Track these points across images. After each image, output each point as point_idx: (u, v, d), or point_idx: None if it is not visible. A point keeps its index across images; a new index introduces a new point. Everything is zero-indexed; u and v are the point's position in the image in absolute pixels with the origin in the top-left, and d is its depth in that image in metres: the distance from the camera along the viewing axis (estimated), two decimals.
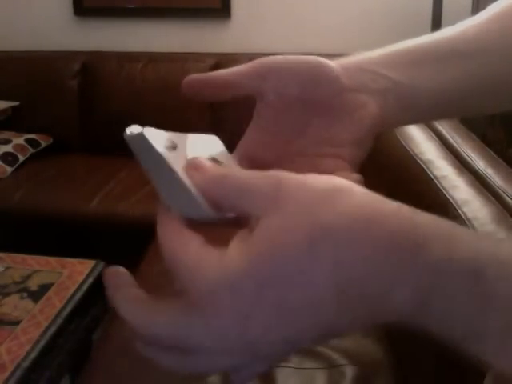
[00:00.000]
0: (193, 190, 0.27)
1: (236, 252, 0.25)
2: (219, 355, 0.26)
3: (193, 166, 0.28)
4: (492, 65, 0.37)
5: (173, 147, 0.28)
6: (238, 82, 0.34)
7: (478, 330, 0.24)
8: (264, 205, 0.25)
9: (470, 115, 0.42)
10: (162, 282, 1.49)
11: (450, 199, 0.96)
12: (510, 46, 0.37)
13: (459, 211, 0.91)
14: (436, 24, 2.09)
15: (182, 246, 0.26)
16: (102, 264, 1.50)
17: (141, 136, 0.28)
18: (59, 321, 1.27)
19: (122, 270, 0.30)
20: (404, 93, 0.35)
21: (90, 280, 1.43)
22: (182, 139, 0.30)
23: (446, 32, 0.38)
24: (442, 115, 0.45)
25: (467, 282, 0.23)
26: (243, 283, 0.24)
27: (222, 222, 0.28)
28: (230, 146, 0.35)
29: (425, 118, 0.42)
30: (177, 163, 0.27)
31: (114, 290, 0.28)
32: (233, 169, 0.29)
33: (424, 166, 1.11)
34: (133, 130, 0.28)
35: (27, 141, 2.34)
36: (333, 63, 0.35)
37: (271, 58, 0.34)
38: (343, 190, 0.25)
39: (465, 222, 0.87)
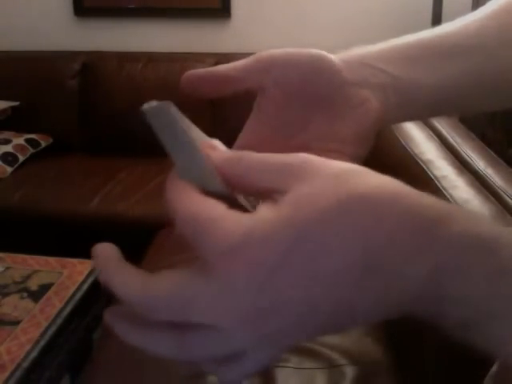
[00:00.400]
0: (209, 165, 0.27)
1: (266, 212, 0.24)
2: (220, 333, 0.24)
3: (209, 145, 0.28)
4: (491, 61, 0.37)
5: (187, 125, 0.28)
6: (239, 76, 0.33)
7: (490, 311, 0.24)
8: (290, 178, 0.25)
9: (470, 112, 0.43)
10: None
11: (450, 199, 0.96)
12: (508, 42, 0.37)
13: None
14: (436, 22, 2.09)
15: (205, 208, 0.24)
16: None
17: (162, 106, 0.27)
18: (59, 321, 1.27)
19: (111, 245, 0.28)
20: (403, 88, 0.35)
21: (90, 280, 1.43)
22: (190, 123, 0.29)
23: (446, 27, 0.38)
24: (442, 112, 0.45)
25: (483, 259, 0.23)
26: (274, 239, 0.23)
27: (233, 203, 0.27)
28: (231, 144, 0.34)
29: (424, 115, 0.41)
30: (193, 139, 0.27)
31: (106, 261, 0.26)
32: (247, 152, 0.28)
33: (424, 166, 1.11)
34: (151, 103, 0.28)
35: (27, 141, 2.34)
36: (334, 57, 0.34)
37: (271, 51, 0.34)
38: (365, 169, 0.25)
39: None
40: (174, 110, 0.28)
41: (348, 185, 0.24)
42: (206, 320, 0.24)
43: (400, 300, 0.24)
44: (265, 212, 0.24)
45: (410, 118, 0.41)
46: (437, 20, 2.09)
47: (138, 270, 0.26)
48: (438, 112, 0.44)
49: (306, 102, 0.34)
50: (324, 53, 0.34)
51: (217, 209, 0.24)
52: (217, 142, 0.29)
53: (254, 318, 0.24)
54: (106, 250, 0.27)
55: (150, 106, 0.28)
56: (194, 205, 0.25)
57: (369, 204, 0.23)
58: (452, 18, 0.39)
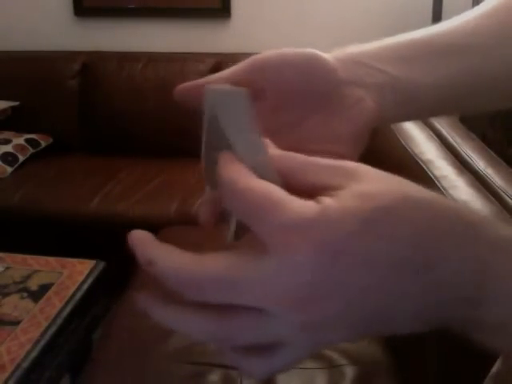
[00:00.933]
0: (268, 157, 0.27)
1: (329, 201, 0.24)
2: (265, 317, 0.24)
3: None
4: (488, 60, 0.37)
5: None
6: (236, 81, 0.33)
7: None
8: (345, 177, 0.25)
9: (468, 112, 0.43)
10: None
11: (450, 199, 0.96)
12: (505, 41, 0.37)
13: None
14: (436, 21, 2.08)
15: (271, 189, 0.24)
16: (102, 264, 1.50)
17: (237, 92, 0.28)
18: (59, 321, 1.27)
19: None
20: (400, 88, 0.35)
21: (90, 280, 1.43)
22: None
23: (443, 26, 0.37)
24: (440, 111, 0.45)
25: None
26: (341, 224, 0.23)
27: None
28: None
29: (422, 114, 0.41)
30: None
31: (148, 241, 0.27)
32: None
33: (424, 166, 1.11)
34: (222, 86, 0.28)
35: (27, 141, 2.34)
36: (329, 56, 0.34)
37: (266, 52, 0.33)
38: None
39: None
40: (247, 98, 0.28)
41: (403, 188, 0.25)
42: (255, 302, 0.24)
43: (447, 303, 0.25)
44: (328, 201, 0.24)
45: (408, 118, 0.41)
46: (437, 19, 2.09)
47: (184, 251, 0.26)
48: (436, 111, 0.44)
49: (301, 102, 0.34)
50: (318, 52, 0.34)
51: (282, 192, 0.24)
52: (268, 140, 0.30)
53: (306, 301, 0.23)
54: (144, 233, 0.28)
55: (221, 88, 0.28)
56: (258, 186, 0.24)
57: (423, 206, 0.25)
58: (452, 16, 0.38)
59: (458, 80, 0.36)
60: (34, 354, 1.17)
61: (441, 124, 1.32)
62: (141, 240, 0.27)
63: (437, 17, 2.10)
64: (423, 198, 0.25)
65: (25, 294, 1.35)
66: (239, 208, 0.25)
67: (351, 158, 0.33)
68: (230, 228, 0.29)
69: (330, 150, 0.33)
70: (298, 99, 0.34)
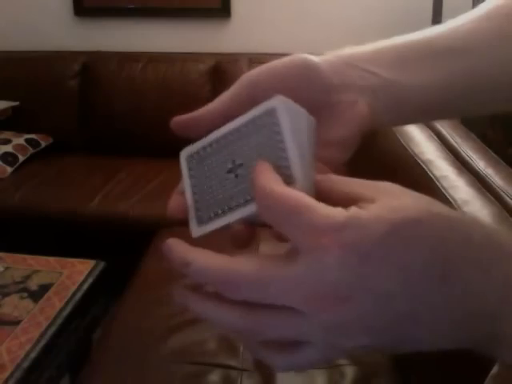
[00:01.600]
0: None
1: (359, 210, 0.25)
2: (294, 315, 0.25)
3: None
4: (482, 64, 0.37)
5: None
6: (230, 114, 0.32)
7: None
8: (378, 192, 0.26)
9: (465, 115, 0.42)
10: (162, 282, 1.49)
11: (450, 199, 0.96)
12: (502, 44, 0.37)
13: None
14: (436, 21, 2.09)
15: (306, 197, 0.25)
16: (102, 264, 1.50)
17: (296, 105, 0.30)
18: (59, 321, 1.27)
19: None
20: (394, 91, 0.35)
21: (90, 280, 1.43)
22: None
23: (440, 28, 0.37)
24: (433, 115, 0.44)
25: None
26: (372, 229, 0.24)
27: None
28: None
29: (415, 118, 0.41)
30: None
31: (184, 246, 0.28)
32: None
33: (424, 166, 1.11)
34: (282, 97, 0.30)
35: (27, 141, 2.34)
36: (320, 61, 0.34)
37: (255, 71, 0.33)
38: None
39: None
40: (314, 125, 0.31)
41: (430, 206, 0.26)
42: (285, 301, 0.25)
43: (473, 317, 0.25)
44: (357, 210, 0.25)
45: (402, 122, 0.41)
46: (437, 18, 2.09)
47: (217, 253, 0.27)
48: (429, 116, 0.43)
49: None
50: (309, 58, 0.34)
51: (314, 200, 0.26)
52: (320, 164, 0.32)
53: (331, 301, 0.24)
54: (178, 240, 0.29)
55: (284, 99, 0.29)
56: (292, 193, 0.26)
57: (453, 222, 0.26)
58: (452, 17, 0.38)
59: (454, 83, 0.36)
60: (33, 354, 1.16)
61: (441, 124, 1.32)
62: (176, 244, 0.28)
63: (437, 17, 2.10)
64: (453, 215, 0.26)
65: (25, 294, 1.35)
66: (273, 213, 0.26)
67: (339, 163, 0.34)
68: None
69: (320, 156, 0.33)
70: None
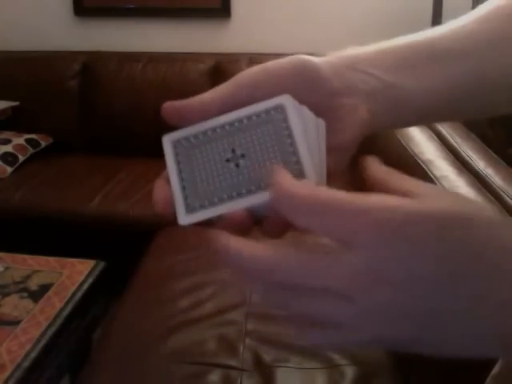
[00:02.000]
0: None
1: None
2: (333, 297, 0.26)
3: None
4: (486, 66, 0.36)
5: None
6: (225, 108, 0.32)
7: None
8: (424, 187, 0.27)
9: (466, 118, 0.42)
10: (162, 282, 1.49)
11: None
12: (501, 48, 0.37)
13: None
14: (436, 22, 2.09)
15: (339, 193, 0.26)
16: (102, 264, 1.50)
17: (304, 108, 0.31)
18: (59, 321, 1.27)
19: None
20: (394, 94, 0.34)
21: (90, 280, 1.43)
22: None
23: (440, 30, 0.37)
24: (433, 118, 0.44)
25: None
26: (417, 228, 0.24)
27: None
28: None
29: (414, 122, 0.41)
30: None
31: (231, 238, 0.27)
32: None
33: (424, 166, 1.11)
34: (291, 98, 0.31)
35: (27, 141, 2.34)
36: (321, 62, 0.33)
37: (254, 70, 0.33)
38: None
39: None
40: (311, 114, 0.31)
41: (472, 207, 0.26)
42: (331, 285, 0.26)
43: (498, 319, 0.25)
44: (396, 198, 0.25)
45: (402, 125, 0.40)
46: (437, 20, 2.09)
47: (262, 243, 0.27)
48: (430, 118, 0.43)
49: None
50: (308, 60, 0.33)
51: (343, 193, 0.26)
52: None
53: (368, 284, 0.25)
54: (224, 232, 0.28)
55: (293, 100, 0.30)
56: (330, 192, 0.26)
57: (469, 224, 0.25)
58: (452, 17, 0.38)
59: (455, 86, 0.36)
60: (33, 354, 1.17)
61: (441, 124, 1.32)
62: (223, 236, 0.28)
63: (437, 18, 2.10)
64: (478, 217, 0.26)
65: (25, 294, 1.35)
66: (311, 222, 0.26)
67: (337, 169, 0.34)
68: None
69: None
70: None
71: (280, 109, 0.30)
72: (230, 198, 0.30)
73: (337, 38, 2.42)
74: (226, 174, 0.30)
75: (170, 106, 0.33)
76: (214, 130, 0.32)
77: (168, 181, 0.33)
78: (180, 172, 0.33)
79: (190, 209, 0.31)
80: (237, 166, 0.30)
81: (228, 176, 0.30)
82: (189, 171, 0.32)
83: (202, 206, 0.31)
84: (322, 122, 0.32)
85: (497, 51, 0.37)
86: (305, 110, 0.31)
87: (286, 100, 0.30)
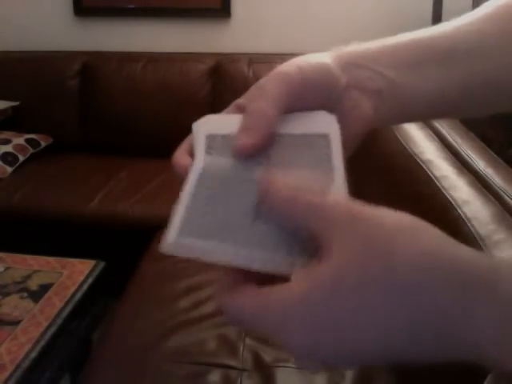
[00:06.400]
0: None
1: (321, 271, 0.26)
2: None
3: (265, 185, 0.28)
4: (491, 64, 0.36)
5: None
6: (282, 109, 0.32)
7: None
8: (338, 228, 0.26)
9: (470, 115, 0.42)
10: (161, 282, 1.49)
11: (450, 199, 0.96)
12: (508, 44, 0.37)
13: (459, 211, 0.91)
14: (436, 23, 2.07)
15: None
16: (102, 264, 1.50)
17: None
18: (59, 321, 1.27)
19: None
20: (401, 93, 0.35)
21: (90, 280, 1.43)
22: None
23: (445, 28, 0.37)
24: (437, 115, 0.44)
25: None
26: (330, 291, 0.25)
27: None
28: None
29: (418, 118, 0.41)
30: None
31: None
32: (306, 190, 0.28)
33: (424, 166, 1.11)
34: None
35: (27, 141, 2.34)
36: (332, 60, 0.34)
37: (289, 68, 0.32)
38: (416, 227, 0.26)
39: (465, 222, 0.87)
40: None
41: (398, 249, 0.25)
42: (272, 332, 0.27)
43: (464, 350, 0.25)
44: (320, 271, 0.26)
45: (405, 120, 0.41)
46: (437, 19, 2.09)
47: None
48: (432, 115, 0.43)
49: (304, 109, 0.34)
50: (329, 63, 0.33)
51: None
52: None
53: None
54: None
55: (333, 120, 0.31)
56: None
57: (420, 272, 0.25)
58: (452, 17, 0.38)
59: (459, 84, 0.36)
60: (33, 354, 1.16)
61: (441, 124, 1.32)
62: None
63: (437, 19, 2.10)
64: (429, 263, 0.25)
65: (25, 294, 1.35)
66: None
67: None
68: None
69: None
70: (297, 109, 0.33)
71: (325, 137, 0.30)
72: (233, 244, 0.27)
73: (337, 38, 2.42)
74: (243, 218, 0.28)
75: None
76: (251, 168, 0.29)
77: (189, 153, 0.32)
78: (199, 185, 0.29)
79: (184, 231, 0.27)
80: (258, 216, 0.28)
81: (244, 222, 0.27)
82: (209, 192, 0.29)
83: (199, 237, 0.27)
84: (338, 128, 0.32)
85: (503, 49, 0.37)
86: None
87: (330, 129, 0.30)
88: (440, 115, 0.45)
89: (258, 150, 0.30)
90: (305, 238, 0.27)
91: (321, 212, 0.26)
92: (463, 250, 0.25)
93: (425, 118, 0.42)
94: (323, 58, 0.34)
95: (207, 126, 0.31)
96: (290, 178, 0.28)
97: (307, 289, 0.25)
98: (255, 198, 0.28)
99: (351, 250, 0.25)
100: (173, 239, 0.27)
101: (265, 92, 0.31)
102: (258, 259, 0.27)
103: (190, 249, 0.27)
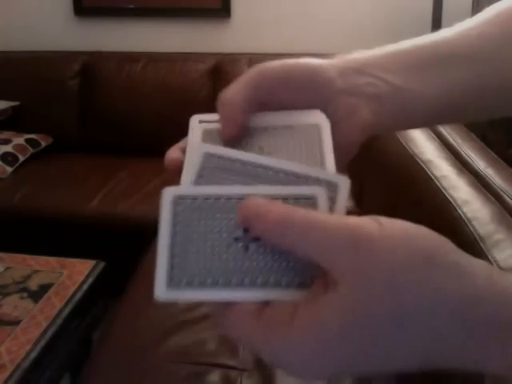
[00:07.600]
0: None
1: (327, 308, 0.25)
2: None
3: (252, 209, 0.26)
4: (493, 69, 0.36)
5: None
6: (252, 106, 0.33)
7: None
8: (341, 264, 0.24)
9: (469, 121, 0.41)
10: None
11: (450, 199, 0.96)
12: (509, 49, 0.36)
13: (459, 211, 0.91)
14: (436, 24, 2.09)
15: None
16: (102, 264, 1.50)
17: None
18: (59, 321, 1.27)
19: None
20: (402, 98, 0.35)
21: (90, 280, 1.43)
22: None
23: (446, 33, 0.37)
24: (439, 121, 0.44)
25: None
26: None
27: None
28: None
29: (421, 124, 0.41)
30: None
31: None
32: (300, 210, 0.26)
33: (424, 166, 1.11)
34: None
35: (27, 141, 2.34)
36: (328, 64, 0.34)
37: (272, 66, 0.33)
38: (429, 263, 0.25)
39: (465, 222, 0.87)
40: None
41: (405, 297, 0.25)
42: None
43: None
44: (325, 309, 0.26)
45: (406, 127, 0.40)
46: (437, 22, 2.09)
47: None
48: (434, 121, 0.43)
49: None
50: (319, 63, 0.34)
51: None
52: None
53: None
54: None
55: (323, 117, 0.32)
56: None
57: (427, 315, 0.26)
58: (452, 19, 0.38)
59: (460, 90, 0.36)
60: (34, 354, 1.17)
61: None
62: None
63: (437, 20, 2.10)
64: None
65: (25, 294, 1.35)
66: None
67: (339, 167, 0.33)
68: None
69: None
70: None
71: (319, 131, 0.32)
72: (227, 284, 0.26)
73: (337, 38, 2.42)
74: (229, 254, 0.26)
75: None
76: (229, 197, 0.27)
77: (182, 150, 0.33)
78: (174, 235, 0.28)
79: (173, 283, 0.26)
80: (246, 248, 0.26)
81: (231, 257, 0.26)
82: (185, 238, 0.28)
83: (189, 285, 0.26)
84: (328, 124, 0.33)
85: (505, 54, 0.36)
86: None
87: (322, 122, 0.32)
88: (442, 120, 0.44)
89: (234, 137, 0.32)
90: (303, 264, 0.25)
91: (320, 238, 0.24)
92: (475, 284, 0.25)
93: (427, 123, 0.42)
94: (317, 60, 0.34)
95: (177, 188, 0.31)
96: (275, 203, 0.26)
97: (314, 325, 0.24)
98: (237, 225, 0.26)
99: (357, 284, 0.24)
100: (163, 295, 0.26)
101: (237, 81, 0.33)
102: (252, 296, 0.26)
103: (183, 297, 0.26)
